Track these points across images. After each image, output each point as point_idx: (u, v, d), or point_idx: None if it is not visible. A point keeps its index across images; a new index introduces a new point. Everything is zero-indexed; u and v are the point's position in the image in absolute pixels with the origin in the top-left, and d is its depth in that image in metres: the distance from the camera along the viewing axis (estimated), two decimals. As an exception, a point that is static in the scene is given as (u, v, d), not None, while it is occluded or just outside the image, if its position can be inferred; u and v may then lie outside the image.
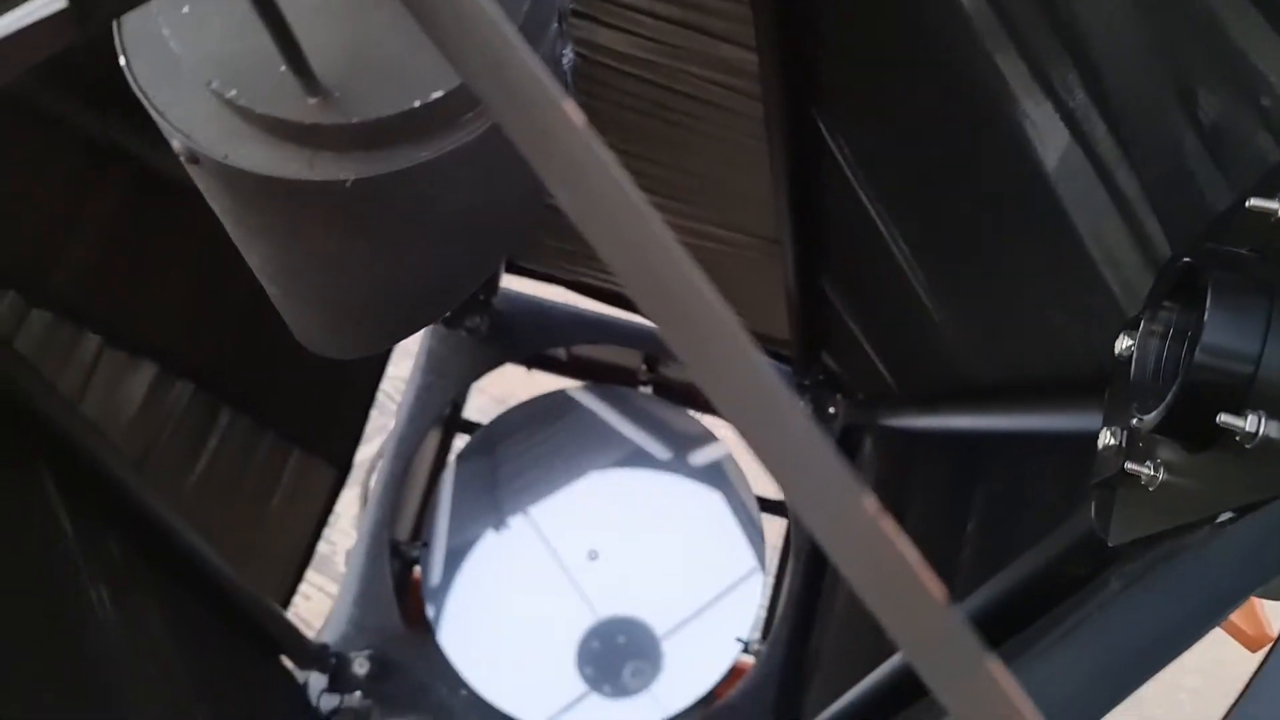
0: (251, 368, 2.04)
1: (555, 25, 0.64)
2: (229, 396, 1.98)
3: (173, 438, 1.86)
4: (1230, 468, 0.57)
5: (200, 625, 1.93)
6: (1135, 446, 0.68)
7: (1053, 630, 0.62)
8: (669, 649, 2.60)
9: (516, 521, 2.74)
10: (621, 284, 0.35)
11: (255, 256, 0.70)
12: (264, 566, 2.25)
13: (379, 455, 2.62)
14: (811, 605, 2.46)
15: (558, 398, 2.90)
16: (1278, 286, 0.56)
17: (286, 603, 2.38)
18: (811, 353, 2.33)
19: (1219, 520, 0.56)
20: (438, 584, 2.63)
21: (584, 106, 0.34)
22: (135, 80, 0.59)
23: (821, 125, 1.49)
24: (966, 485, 1.43)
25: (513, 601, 2.69)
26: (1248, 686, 0.47)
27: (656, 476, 2.84)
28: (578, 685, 2.55)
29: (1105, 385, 0.77)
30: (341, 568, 2.56)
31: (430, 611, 2.58)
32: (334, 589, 2.57)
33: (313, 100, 0.56)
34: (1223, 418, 0.55)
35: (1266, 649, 0.49)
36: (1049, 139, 0.93)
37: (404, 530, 2.68)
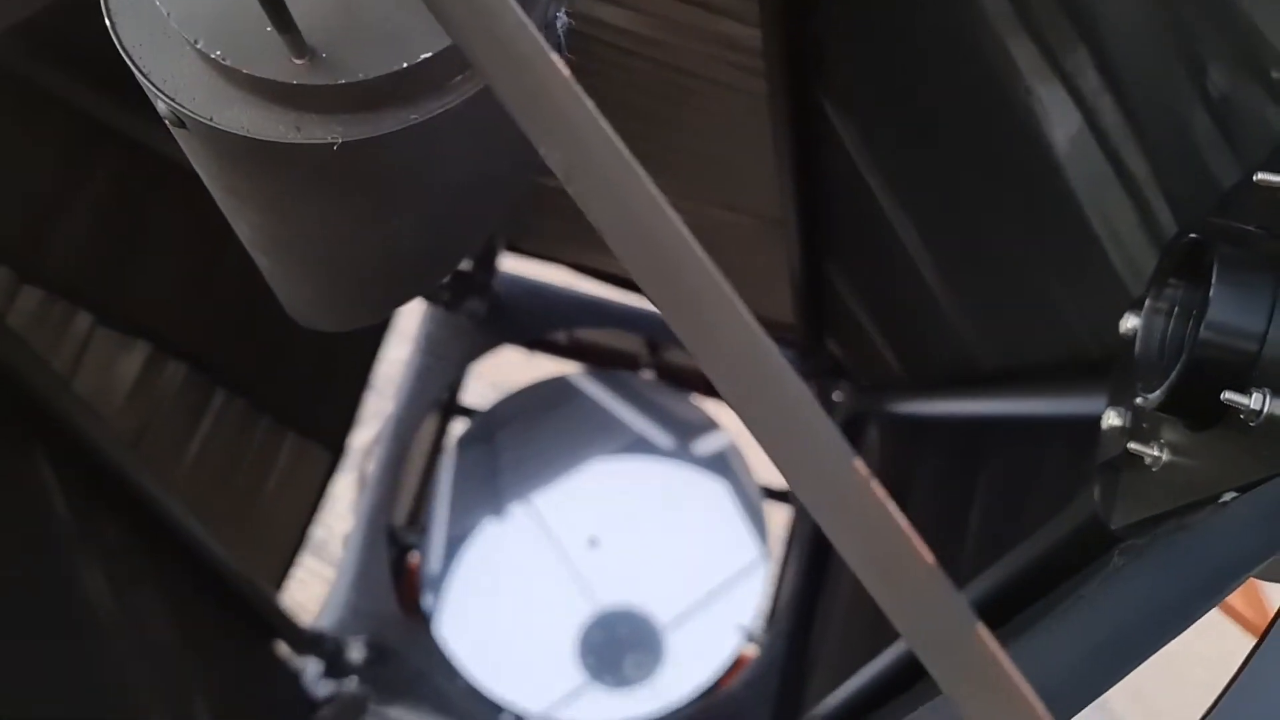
0: (245, 350, 2.03)
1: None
2: (223, 379, 1.97)
3: (166, 420, 1.85)
4: (1234, 446, 0.56)
5: (195, 609, 1.93)
6: (1139, 427, 0.68)
7: (1053, 608, 0.61)
8: (671, 640, 2.59)
9: (516, 509, 2.73)
10: (610, 245, 0.34)
11: (244, 225, 0.69)
12: (259, 551, 2.24)
13: (376, 440, 2.61)
14: (815, 594, 2.45)
15: (559, 383, 2.88)
16: (1285, 263, 0.55)
17: (281, 587, 2.37)
18: (816, 338, 2.31)
19: (1222, 499, 0.56)
20: (437, 571, 2.63)
21: (583, 83, 0.33)
22: (120, 41, 0.58)
23: (826, 105, 1.48)
24: (970, 472, 1.42)
25: (513, 589, 2.69)
26: (1233, 680, 0.45)
27: (659, 464, 2.83)
28: (578, 675, 2.55)
29: (1110, 368, 0.76)
30: (337, 552, 2.55)
31: (429, 599, 2.58)
32: (329, 574, 2.57)
33: (299, 61, 0.55)
34: (1227, 395, 0.55)
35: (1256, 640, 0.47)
36: (1058, 118, 0.92)
37: (400, 516, 2.67)
